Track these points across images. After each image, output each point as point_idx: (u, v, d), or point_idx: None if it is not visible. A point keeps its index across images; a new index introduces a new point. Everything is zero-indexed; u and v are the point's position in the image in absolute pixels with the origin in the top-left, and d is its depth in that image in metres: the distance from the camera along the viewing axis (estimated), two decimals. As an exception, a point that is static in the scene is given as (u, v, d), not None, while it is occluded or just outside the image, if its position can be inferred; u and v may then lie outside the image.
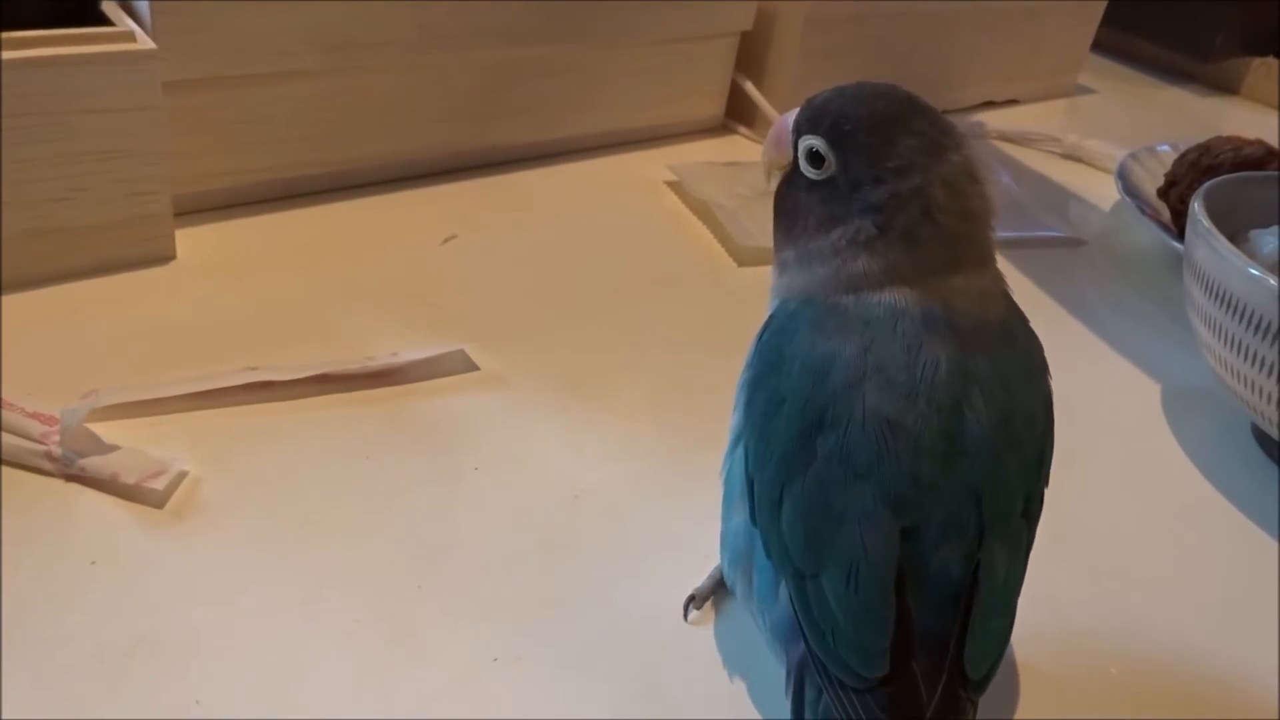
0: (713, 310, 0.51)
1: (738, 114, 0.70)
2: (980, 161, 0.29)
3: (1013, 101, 0.85)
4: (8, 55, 0.40)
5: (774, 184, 0.32)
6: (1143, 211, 0.63)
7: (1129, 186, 0.65)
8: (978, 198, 0.29)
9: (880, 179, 0.28)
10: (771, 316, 0.29)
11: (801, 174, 0.30)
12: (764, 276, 0.56)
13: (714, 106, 0.69)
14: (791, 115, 0.31)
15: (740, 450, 0.29)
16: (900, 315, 0.27)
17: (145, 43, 0.43)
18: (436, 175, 0.58)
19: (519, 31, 0.56)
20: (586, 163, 0.64)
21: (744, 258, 0.55)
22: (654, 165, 0.64)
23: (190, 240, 0.49)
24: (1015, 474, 0.27)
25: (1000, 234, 0.64)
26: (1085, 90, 0.91)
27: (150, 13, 0.45)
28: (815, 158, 0.29)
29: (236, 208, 0.52)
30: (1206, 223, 0.45)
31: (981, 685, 0.26)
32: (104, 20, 0.44)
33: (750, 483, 0.28)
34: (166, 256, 0.47)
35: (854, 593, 0.25)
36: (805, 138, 0.30)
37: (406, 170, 0.57)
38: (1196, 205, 0.47)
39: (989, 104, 0.83)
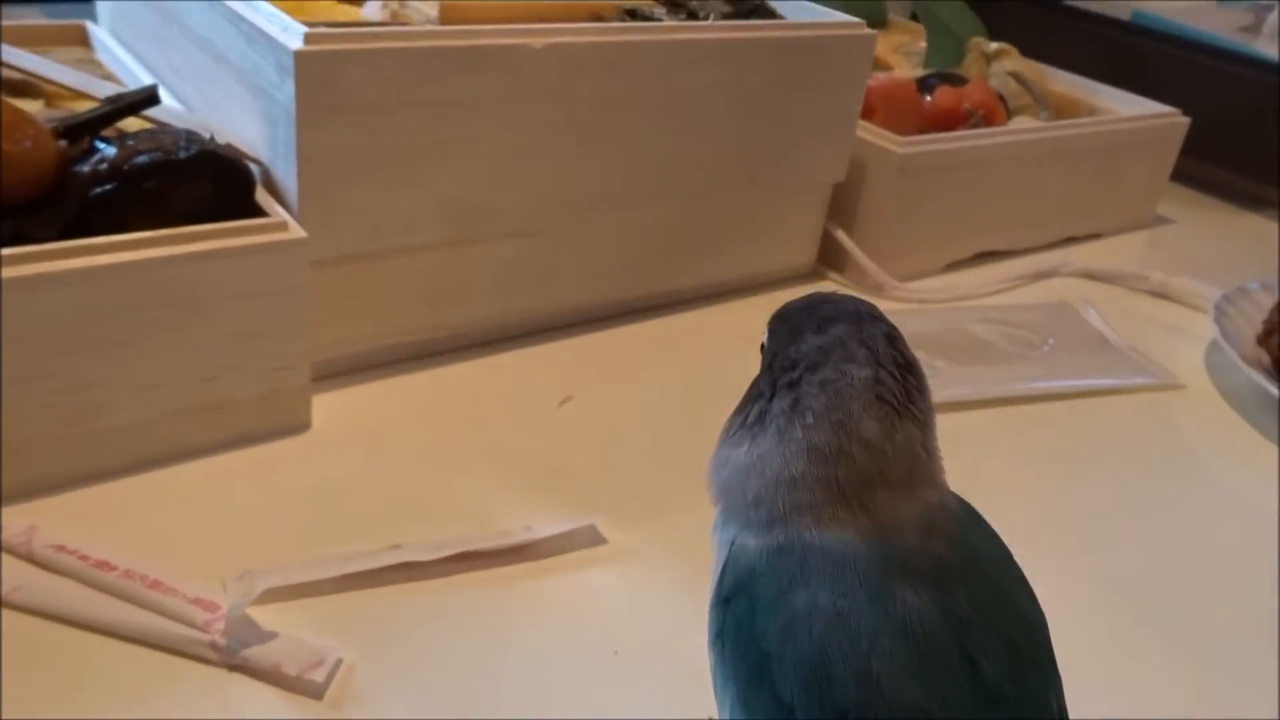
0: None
1: (829, 259, 0.72)
2: (897, 389, 0.28)
3: (1094, 235, 0.86)
4: (176, 250, 0.42)
5: None
6: (1243, 359, 0.63)
7: (1226, 332, 0.65)
8: (872, 421, 0.27)
9: (771, 365, 0.29)
10: (723, 579, 0.28)
11: None
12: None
13: (807, 254, 0.71)
14: None
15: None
16: (852, 568, 0.26)
17: (296, 231, 0.45)
18: (547, 332, 0.60)
19: (627, 195, 0.59)
20: (687, 314, 0.65)
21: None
22: (752, 316, 0.64)
23: (323, 407, 0.50)
24: (1045, 691, 0.27)
25: (1097, 382, 0.64)
26: (1164, 220, 0.92)
27: (298, 199, 0.47)
28: (762, 347, 0.30)
29: (363, 371, 0.54)
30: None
31: None
32: (258, 209, 0.46)
33: None
34: (303, 426, 0.49)
35: None
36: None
37: (519, 329, 0.59)
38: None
39: (1072, 239, 0.84)
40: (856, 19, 0.65)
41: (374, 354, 0.54)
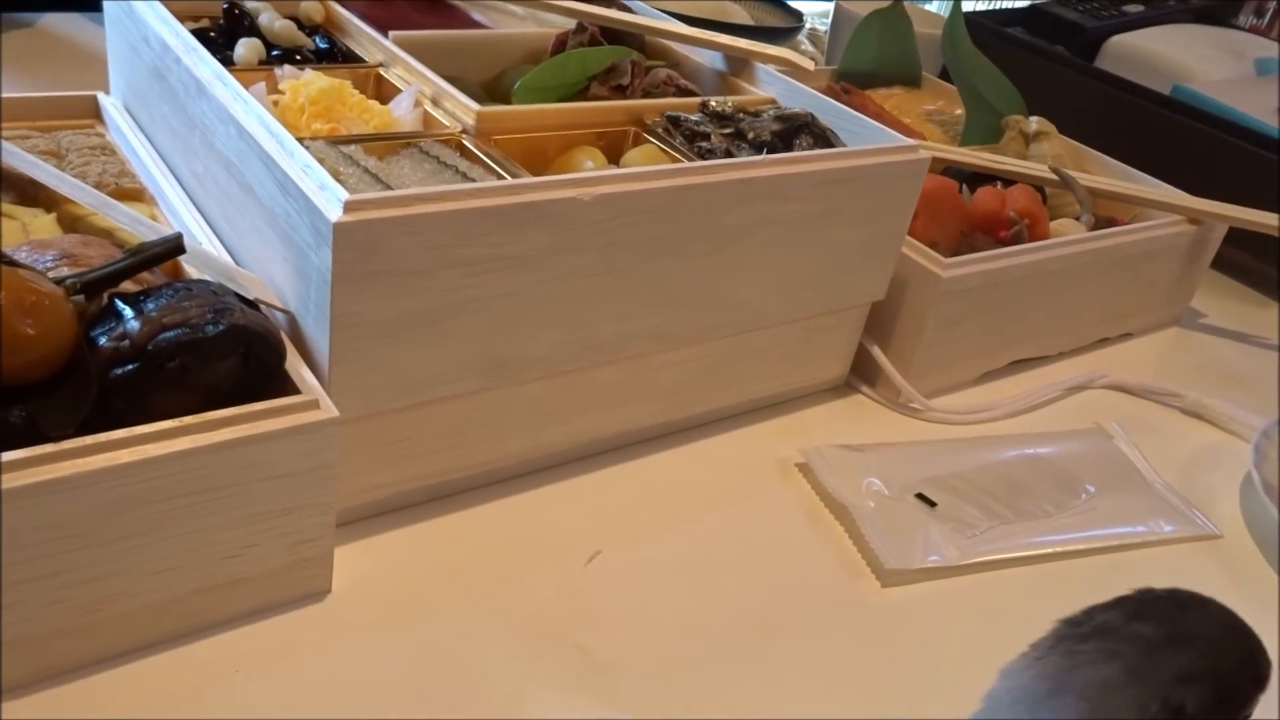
0: (858, 647, 0.50)
1: (861, 372, 0.70)
2: None
3: (1126, 335, 0.84)
4: (201, 440, 0.39)
5: None
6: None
7: (1268, 484, 0.64)
8: None
9: None
10: None
11: None
12: (911, 600, 0.54)
13: (840, 368, 0.69)
14: None
15: None
16: None
17: (328, 409, 0.43)
18: (578, 462, 0.58)
19: (668, 333, 0.56)
20: (715, 439, 0.63)
21: (889, 579, 0.54)
22: (782, 440, 0.63)
23: (344, 563, 0.48)
24: None
25: (1135, 535, 0.62)
26: (1195, 313, 0.90)
27: (329, 361, 0.45)
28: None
29: (386, 515, 0.52)
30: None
31: None
32: (286, 379, 0.44)
33: None
34: (323, 591, 0.47)
35: None
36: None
37: (549, 462, 0.57)
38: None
39: (1104, 340, 0.82)
40: (909, 140, 0.62)
41: (398, 499, 0.52)
